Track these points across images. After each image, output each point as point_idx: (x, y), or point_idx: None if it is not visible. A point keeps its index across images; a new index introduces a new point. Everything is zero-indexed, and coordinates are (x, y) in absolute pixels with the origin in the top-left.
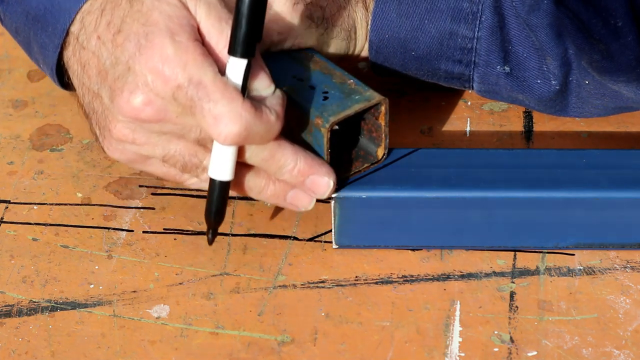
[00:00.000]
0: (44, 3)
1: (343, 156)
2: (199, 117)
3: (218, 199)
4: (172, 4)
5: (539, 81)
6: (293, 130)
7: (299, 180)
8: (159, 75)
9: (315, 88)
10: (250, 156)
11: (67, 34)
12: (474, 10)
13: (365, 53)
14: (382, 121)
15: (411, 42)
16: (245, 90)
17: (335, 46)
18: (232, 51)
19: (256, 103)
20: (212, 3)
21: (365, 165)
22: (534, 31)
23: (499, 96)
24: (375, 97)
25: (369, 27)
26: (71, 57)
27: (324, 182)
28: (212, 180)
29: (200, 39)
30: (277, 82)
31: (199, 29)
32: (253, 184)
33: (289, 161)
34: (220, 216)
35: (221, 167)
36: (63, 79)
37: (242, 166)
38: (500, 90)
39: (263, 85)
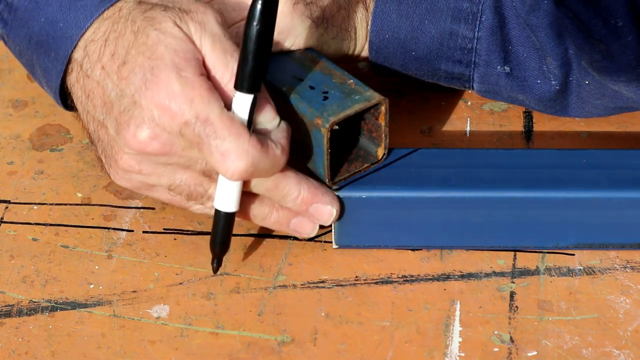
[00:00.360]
0: (47, 29)
1: (343, 156)
2: (206, 153)
3: (223, 230)
4: (178, 37)
5: (539, 81)
6: (293, 130)
7: (302, 208)
8: (166, 111)
9: (315, 88)
10: (255, 185)
11: (70, 60)
12: (474, 11)
13: (365, 53)
14: (382, 121)
15: (411, 42)
16: (251, 124)
17: (335, 46)
18: (238, 86)
19: (262, 138)
20: (216, 35)
21: (365, 165)
22: (534, 31)
23: (499, 96)
24: (375, 97)
25: (369, 27)
26: (75, 84)
27: (327, 210)
28: (217, 211)
29: (206, 73)
30: (277, 82)
31: (204, 62)
32: (257, 211)
33: (293, 190)
34: (225, 246)
35: (226, 199)
36: (66, 101)
37: (246, 194)
38: (501, 90)
39: (268, 118)
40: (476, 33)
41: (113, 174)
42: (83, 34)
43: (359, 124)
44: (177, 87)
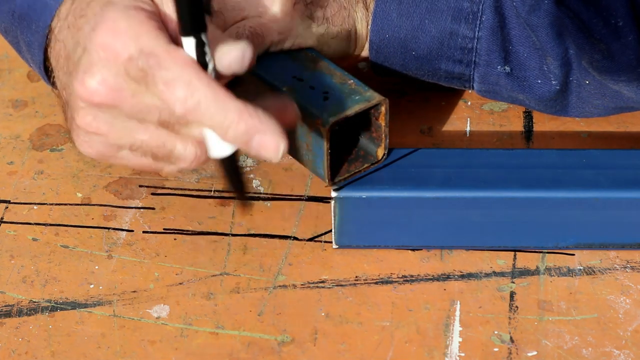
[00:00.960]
0: (28, 1)
1: (343, 156)
2: (150, 86)
3: (233, 174)
4: None
5: (539, 81)
6: (293, 130)
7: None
8: (110, 49)
9: (315, 88)
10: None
11: (50, 30)
12: (475, 10)
13: (365, 53)
14: (382, 121)
15: (411, 42)
16: (206, 66)
17: (335, 46)
18: (181, 31)
19: (217, 82)
20: None
21: (365, 165)
22: (534, 31)
23: (499, 96)
24: (376, 97)
25: (369, 27)
26: (51, 53)
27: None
28: (218, 161)
29: (159, 20)
30: (277, 82)
31: (161, 16)
32: None
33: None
34: (243, 184)
35: (217, 142)
36: (51, 77)
37: None
38: (501, 90)
39: (225, 51)
40: (476, 33)
41: (75, 139)
42: (61, 1)
43: (359, 124)
44: (124, 24)
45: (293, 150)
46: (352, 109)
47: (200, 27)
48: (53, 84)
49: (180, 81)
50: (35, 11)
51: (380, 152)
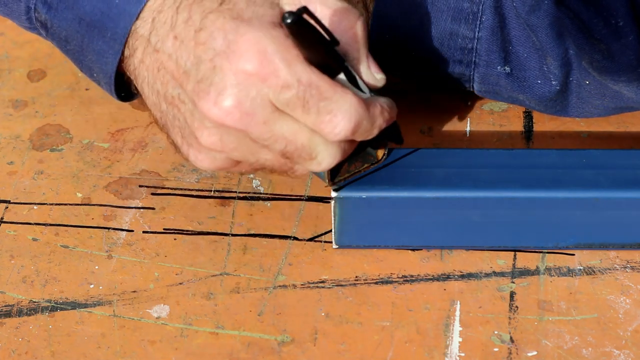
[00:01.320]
0: (100, 7)
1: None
2: (312, 114)
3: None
4: (264, 4)
5: (539, 81)
6: None
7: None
8: (255, 74)
9: None
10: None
11: (134, 38)
12: (475, 11)
13: None
14: None
15: (411, 42)
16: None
17: None
18: (334, 72)
19: (366, 99)
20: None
21: (365, 165)
22: (534, 31)
23: (499, 96)
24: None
25: (369, 27)
26: (139, 65)
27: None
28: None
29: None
30: None
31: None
32: None
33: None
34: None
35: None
36: (120, 90)
37: None
38: (501, 90)
39: (371, 72)
40: (476, 33)
41: (194, 156)
42: (143, 7)
43: None
44: (271, 48)
45: None
46: None
47: (342, 61)
48: (124, 97)
49: (343, 112)
50: (110, 18)
51: (381, 153)
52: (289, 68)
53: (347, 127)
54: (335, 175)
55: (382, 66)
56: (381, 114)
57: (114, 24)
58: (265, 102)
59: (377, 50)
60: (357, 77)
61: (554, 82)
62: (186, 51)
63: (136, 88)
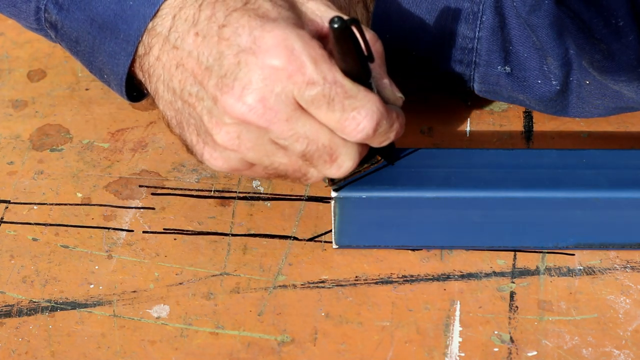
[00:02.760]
0: (113, 8)
1: None
2: (337, 111)
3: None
4: (289, 8)
5: (539, 81)
6: None
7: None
8: (283, 70)
9: None
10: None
11: (150, 36)
12: (475, 10)
13: None
14: None
15: (412, 42)
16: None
17: None
18: (363, 81)
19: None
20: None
21: (365, 165)
22: (534, 31)
23: (499, 96)
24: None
25: (369, 27)
26: (155, 62)
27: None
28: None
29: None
30: None
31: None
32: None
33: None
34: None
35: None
36: (131, 90)
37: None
38: (501, 90)
39: (391, 92)
40: (477, 33)
41: (208, 154)
42: (161, 5)
43: None
44: (298, 45)
45: None
46: None
47: (370, 75)
48: (134, 98)
49: (366, 109)
50: (124, 20)
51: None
52: (315, 65)
53: (370, 125)
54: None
55: None
56: (397, 119)
57: (127, 26)
58: (289, 99)
59: None
60: (378, 92)
61: (554, 82)
62: (208, 47)
63: (146, 88)
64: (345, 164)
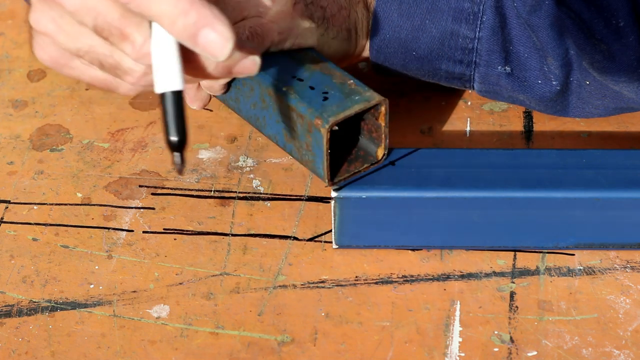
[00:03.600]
0: None
1: (343, 156)
2: None
3: (176, 114)
4: None
5: (539, 81)
6: (293, 130)
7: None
8: None
9: (315, 88)
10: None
11: None
12: (475, 11)
13: (366, 53)
14: (382, 121)
15: (412, 42)
16: None
17: (335, 46)
18: None
19: None
20: None
21: (365, 165)
22: (535, 31)
23: (499, 96)
24: (375, 97)
25: (369, 27)
26: None
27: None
28: (162, 96)
29: None
30: (277, 82)
31: None
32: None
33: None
34: (184, 134)
35: (167, 74)
36: None
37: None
38: (501, 90)
39: None
40: (477, 33)
41: (33, 44)
42: None
43: (359, 124)
44: None
45: (293, 149)
46: (352, 109)
47: None
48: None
49: None
50: None
51: (380, 152)
52: None
53: None
54: (335, 175)
55: (384, 66)
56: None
57: None
58: None
59: (378, 49)
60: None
61: (554, 82)
62: None
63: None
64: (136, 40)
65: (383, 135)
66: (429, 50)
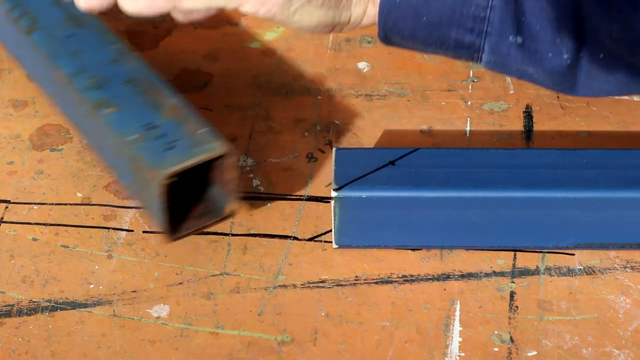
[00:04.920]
0: None
1: (192, 209)
2: None
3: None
4: None
5: (550, 54)
6: (136, 183)
7: None
8: None
9: (166, 136)
10: None
11: None
12: None
13: (369, 20)
14: (230, 174)
15: (423, 6)
16: None
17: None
18: None
19: None
20: None
21: (214, 220)
22: (549, 2)
23: (507, 69)
24: (218, 148)
25: None
26: None
27: None
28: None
29: None
30: (131, 128)
31: None
32: None
33: None
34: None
35: None
36: None
37: None
38: (510, 62)
39: None
40: (490, 2)
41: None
42: None
43: (210, 174)
44: None
45: (140, 199)
46: (190, 161)
47: None
48: None
49: None
50: None
51: (231, 207)
52: None
53: None
54: (177, 229)
55: (392, 32)
56: None
57: None
58: None
59: (387, 13)
60: None
61: (565, 56)
62: None
63: None
64: None
65: (232, 189)
66: (440, 16)
